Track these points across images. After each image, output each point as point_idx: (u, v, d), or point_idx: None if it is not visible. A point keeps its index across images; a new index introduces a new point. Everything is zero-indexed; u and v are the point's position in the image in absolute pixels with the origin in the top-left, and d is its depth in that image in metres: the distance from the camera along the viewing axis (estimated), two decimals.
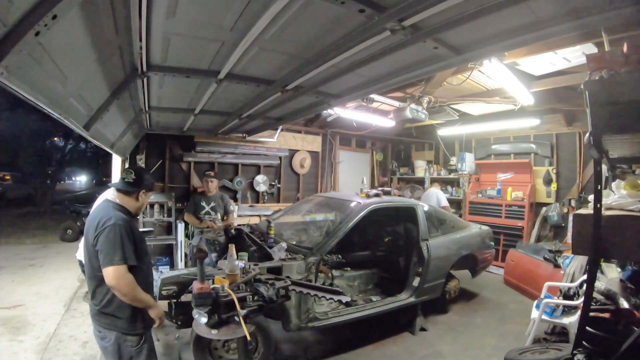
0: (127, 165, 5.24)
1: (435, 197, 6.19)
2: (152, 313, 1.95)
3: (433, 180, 7.28)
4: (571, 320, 3.10)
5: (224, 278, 2.00)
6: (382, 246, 4.70)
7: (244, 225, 4.40)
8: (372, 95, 4.44)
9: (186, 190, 5.77)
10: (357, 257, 4.55)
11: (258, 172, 6.51)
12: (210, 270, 2.69)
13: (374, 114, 5.59)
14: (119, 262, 1.78)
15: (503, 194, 6.51)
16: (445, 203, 6.24)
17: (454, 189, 7.52)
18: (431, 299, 3.96)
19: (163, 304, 2.35)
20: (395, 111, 4.88)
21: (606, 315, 2.53)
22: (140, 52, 2.06)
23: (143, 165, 5.35)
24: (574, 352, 2.17)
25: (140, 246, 1.97)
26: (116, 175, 5.31)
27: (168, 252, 5.52)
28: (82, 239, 3.24)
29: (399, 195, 7.06)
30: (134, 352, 1.92)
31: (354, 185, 6.75)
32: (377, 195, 3.96)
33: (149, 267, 2.11)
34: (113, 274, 1.77)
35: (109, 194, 2.08)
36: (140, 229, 4.30)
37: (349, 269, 4.30)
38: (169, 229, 5.54)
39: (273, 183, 6.66)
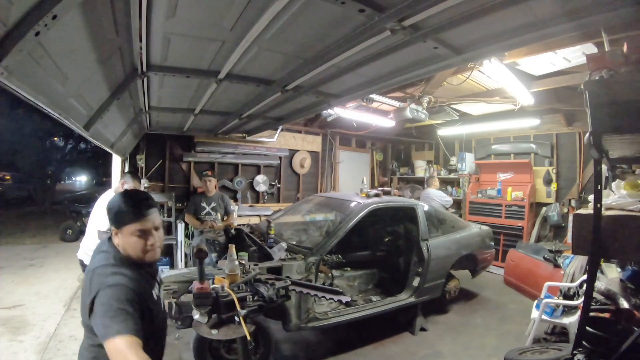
0: (126, 166, 5.24)
1: (436, 200, 6.04)
2: None
3: (429, 179, 6.57)
4: (571, 320, 3.10)
5: (224, 278, 1.99)
6: (382, 246, 4.70)
7: (244, 225, 4.40)
8: (372, 95, 4.44)
9: (186, 191, 5.77)
10: (357, 257, 4.55)
11: (258, 172, 6.50)
12: (210, 270, 2.69)
13: (374, 114, 5.59)
14: (117, 334, 1.15)
15: (503, 194, 6.51)
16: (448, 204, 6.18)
17: (454, 189, 7.52)
18: (431, 299, 3.96)
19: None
20: (395, 111, 4.88)
21: (606, 315, 2.53)
22: (140, 52, 2.06)
23: (142, 166, 5.35)
24: (574, 352, 2.17)
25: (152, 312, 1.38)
26: (116, 175, 5.30)
27: (168, 252, 5.51)
28: (83, 239, 3.25)
29: (399, 195, 7.06)
30: None
31: (354, 185, 6.75)
32: (377, 195, 3.96)
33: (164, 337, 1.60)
34: (111, 350, 1.14)
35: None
36: None
37: (349, 269, 4.30)
38: (169, 229, 5.54)
39: (273, 183, 6.66)
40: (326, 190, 7.35)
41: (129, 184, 3.23)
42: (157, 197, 5.30)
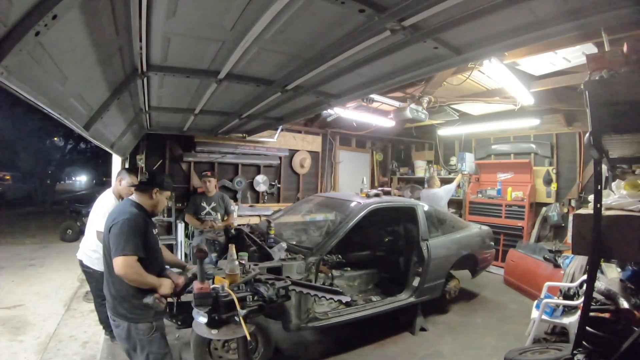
0: (126, 165, 5.25)
1: (444, 199, 5.87)
2: (162, 290, 2.00)
3: (430, 179, 6.33)
4: (571, 320, 3.10)
5: (224, 278, 1.99)
6: (382, 246, 4.70)
7: (244, 225, 4.40)
8: (372, 95, 4.44)
9: (186, 191, 5.77)
10: (357, 257, 4.55)
11: (258, 172, 6.50)
12: (211, 269, 2.69)
13: (374, 114, 5.59)
14: (128, 253, 1.90)
15: (503, 194, 6.51)
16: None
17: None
18: (431, 299, 3.95)
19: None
20: (395, 111, 4.88)
21: (606, 315, 2.52)
22: (140, 52, 2.06)
23: (142, 165, 5.36)
24: (574, 352, 2.17)
25: (151, 243, 2.11)
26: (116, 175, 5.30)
27: None
28: (82, 239, 3.26)
29: (399, 195, 7.04)
30: (146, 340, 2.03)
31: (354, 185, 6.75)
32: (377, 195, 3.95)
33: (161, 263, 2.25)
34: (122, 263, 1.88)
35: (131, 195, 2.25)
36: None
37: (349, 269, 4.30)
38: (169, 229, 5.54)
39: (273, 183, 6.66)
40: (326, 190, 7.35)
41: (126, 180, 3.24)
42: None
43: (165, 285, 2.02)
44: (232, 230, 3.98)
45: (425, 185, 6.63)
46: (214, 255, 4.29)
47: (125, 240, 1.92)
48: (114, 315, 2.04)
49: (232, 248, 2.09)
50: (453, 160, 7.65)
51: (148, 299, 1.95)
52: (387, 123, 5.73)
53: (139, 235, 1.99)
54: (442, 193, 5.96)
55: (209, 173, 4.95)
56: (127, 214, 2.02)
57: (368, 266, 4.46)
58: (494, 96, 4.89)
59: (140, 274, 1.94)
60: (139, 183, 2.25)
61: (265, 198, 6.58)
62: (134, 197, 2.21)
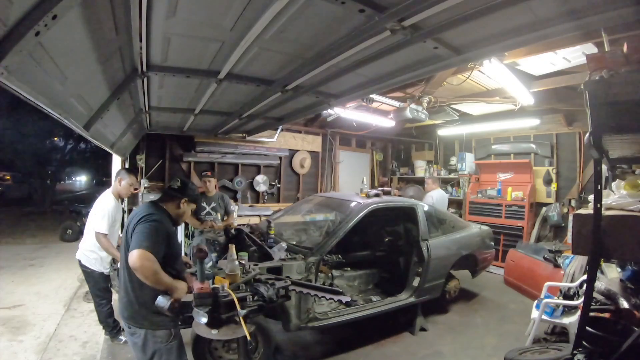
0: (126, 165, 5.25)
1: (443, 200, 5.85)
2: (177, 294, 1.86)
3: (431, 182, 6.12)
4: (571, 320, 3.10)
5: (224, 278, 1.99)
6: (382, 246, 4.69)
7: (244, 225, 4.40)
8: (372, 95, 4.44)
9: None
10: (357, 257, 4.55)
11: (258, 172, 6.51)
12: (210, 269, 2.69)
13: (374, 114, 5.59)
14: (146, 248, 1.76)
15: (503, 194, 6.51)
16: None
17: (453, 189, 7.52)
18: (431, 299, 3.95)
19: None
20: (395, 111, 4.88)
21: (606, 315, 2.53)
22: (140, 52, 2.06)
23: (142, 165, 5.36)
24: (574, 352, 2.17)
25: (175, 250, 2.04)
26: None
27: None
28: (82, 240, 3.26)
29: (399, 195, 7.04)
30: (164, 348, 1.93)
31: (354, 185, 6.75)
32: (377, 195, 3.95)
33: (180, 272, 2.11)
34: (138, 254, 1.73)
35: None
36: None
37: (349, 269, 4.30)
38: None
39: (273, 183, 6.66)
40: (326, 190, 7.35)
41: (126, 180, 3.25)
42: (156, 197, 5.31)
43: (180, 290, 1.88)
44: (232, 230, 3.97)
45: (426, 186, 6.62)
46: (214, 255, 4.28)
47: (148, 238, 1.81)
48: (130, 322, 1.93)
49: (232, 248, 2.09)
50: (453, 160, 7.65)
51: (161, 301, 1.78)
52: (387, 123, 5.73)
53: (162, 240, 1.88)
54: (441, 196, 5.98)
55: (209, 173, 4.95)
56: (156, 215, 1.93)
57: (368, 266, 4.46)
58: (494, 96, 4.89)
59: (157, 271, 1.78)
60: (168, 188, 2.13)
61: (265, 198, 6.58)
62: (160, 201, 2.11)
